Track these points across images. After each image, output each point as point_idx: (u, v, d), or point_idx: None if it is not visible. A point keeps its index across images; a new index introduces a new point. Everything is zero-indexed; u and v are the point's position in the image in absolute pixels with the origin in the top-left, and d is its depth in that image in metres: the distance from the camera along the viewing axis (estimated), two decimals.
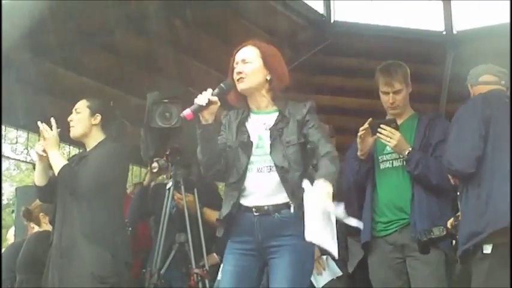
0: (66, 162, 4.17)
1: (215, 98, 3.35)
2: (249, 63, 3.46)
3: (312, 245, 3.19)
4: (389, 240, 4.16)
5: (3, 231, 8.18)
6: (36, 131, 7.30)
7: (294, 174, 3.35)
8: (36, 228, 5.41)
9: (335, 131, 5.26)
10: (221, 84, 3.42)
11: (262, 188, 3.38)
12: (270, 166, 3.38)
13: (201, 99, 3.33)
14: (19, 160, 17.67)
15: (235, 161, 3.43)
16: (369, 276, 4.32)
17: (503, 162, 3.65)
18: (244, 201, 3.40)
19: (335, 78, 7.79)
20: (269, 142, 3.40)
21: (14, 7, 4.90)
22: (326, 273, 4.82)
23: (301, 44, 7.18)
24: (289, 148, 3.38)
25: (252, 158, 3.41)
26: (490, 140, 3.70)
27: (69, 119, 4.31)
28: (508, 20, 6.60)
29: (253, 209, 3.37)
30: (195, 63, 6.87)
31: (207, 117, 3.37)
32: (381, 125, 4.11)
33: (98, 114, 4.29)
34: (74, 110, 4.32)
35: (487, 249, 3.59)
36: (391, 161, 4.23)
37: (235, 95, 3.51)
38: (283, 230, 3.34)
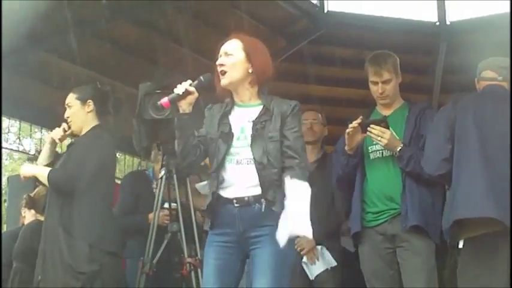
0: (48, 169, 4.18)
1: (192, 89, 3.43)
2: (231, 56, 3.49)
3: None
4: (379, 230, 4.16)
5: None
6: (28, 120, 7.33)
7: (271, 170, 3.38)
8: (28, 218, 5.40)
9: (328, 121, 5.27)
10: (200, 77, 3.48)
11: (241, 180, 3.41)
12: (250, 159, 3.40)
13: (179, 88, 3.41)
14: (11, 149, 17.61)
15: (215, 151, 3.46)
16: (359, 266, 4.33)
17: (468, 158, 3.72)
18: (224, 193, 3.43)
19: (328, 69, 7.79)
20: (250, 134, 3.42)
21: None
22: (320, 263, 4.84)
23: (295, 34, 7.17)
24: (270, 143, 3.40)
25: (233, 150, 3.44)
26: (456, 139, 3.77)
27: (65, 116, 4.32)
28: (501, 11, 6.63)
29: (234, 201, 3.39)
30: (189, 52, 6.85)
31: (184, 107, 3.44)
32: (371, 125, 4.10)
33: (89, 101, 4.29)
34: (66, 106, 4.32)
35: (461, 244, 3.73)
36: (380, 151, 4.22)
37: (220, 88, 3.53)
38: (263, 220, 3.36)
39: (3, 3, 4.82)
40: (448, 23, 7.31)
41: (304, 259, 4.84)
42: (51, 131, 4.48)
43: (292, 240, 3.38)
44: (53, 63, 6.41)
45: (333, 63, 7.66)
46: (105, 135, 4.26)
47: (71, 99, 4.32)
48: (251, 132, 3.42)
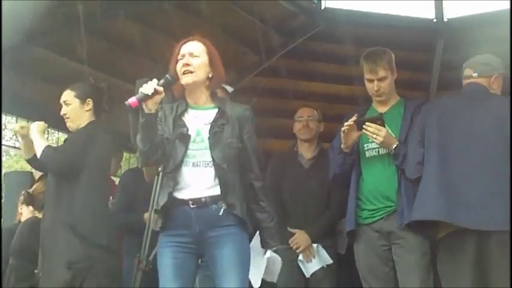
0: (46, 143, 4.18)
1: (161, 88, 3.38)
2: (197, 57, 3.53)
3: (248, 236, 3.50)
4: (375, 228, 4.17)
5: None
6: (25, 117, 7.31)
7: (231, 175, 3.44)
8: (25, 215, 5.38)
9: (325, 118, 5.26)
10: (167, 76, 3.46)
11: (198, 182, 3.44)
12: (208, 161, 3.43)
13: (147, 88, 3.36)
14: (8, 146, 17.61)
15: (172, 152, 3.47)
16: (355, 263, 4.34)
17: (428, 160, 3.86)
18: (179, 195, 3.45)
19: (326, 65, 7.77)
20: (208, 137, 3.45)
21: None
22: (316, 261, 4.84)
23: (292, 31, 7.15)
24: (229, 149, 3.45)
25: (188, 152, 3.45)
26: (425, 142, 3.92)
27: (62, 113, 4.30)
28: (499, 8, 6.63)
29: (190, 202, 3.41)
30: None
31: (151, 106, 3.39)
32: (367, 122, 4.10)
33: (89, 100, 4.30)
34: (62, 103, 4.31)
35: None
36: (376, 149, 4.23)
37: (177, 87, 3.55)
38: (220, 221, 3.41)
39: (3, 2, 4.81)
40: (445, 20, 7.29)
41: (300, 257, 4.84)
42: (48, 127, 4.48)
43: (247, 240, 3.49)
44: (50, 59, 6.40)
45: (331, 60, 7.65)
46: (100, 130, 4.26)
47: (69, 96, 4.31)
48: (208, 135, 3.46)
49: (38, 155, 4.13)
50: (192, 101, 3.58)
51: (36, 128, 4.26)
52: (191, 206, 3.42)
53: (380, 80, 4.23)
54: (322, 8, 7.21)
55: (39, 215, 5.16)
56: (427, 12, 7.47)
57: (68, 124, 4.33)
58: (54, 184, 4.17)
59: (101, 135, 4.24)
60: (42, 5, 5.30)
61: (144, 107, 3.38)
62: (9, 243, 5.20)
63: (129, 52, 6.72)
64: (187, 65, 3.50)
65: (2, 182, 7.68)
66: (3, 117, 7.93)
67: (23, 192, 5.49)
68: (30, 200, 5.38)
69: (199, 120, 3.52)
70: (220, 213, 3.40)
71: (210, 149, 3.43)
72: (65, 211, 4.05)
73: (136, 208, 4.98)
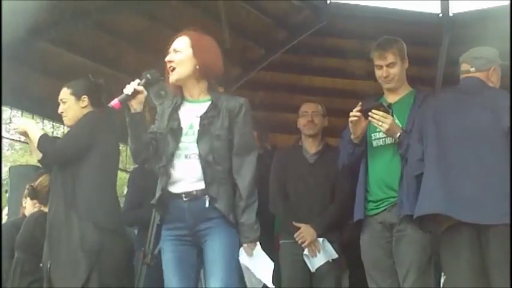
0: (42, 132, 4.21)
1: (141, 88, 3.47)
2: (179, 53, 3.54)
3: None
4: (378, 219, 4.17)
5: None
6: (31, 111, 7.32)
7: (216, 167, 3.44)
8: (28, 208, 5.39)
9: (330, 112, 5.25)
10: (147, 75, 3.52)
11: (190, 174, 3.45)
12: (197, 154, 3.45)
13: (127, 88, 3.44)
14: (13, 140, 17.63)
15: (164, 146, 3.50)
16: (360, 256, 4.34)
17: (427, 156, 3.86)
18: (173, 188, 3.48)
19: (331, 60, 7.78)
20: (198, 130, 3.47)
21: None
22: (321, 256, 4.83)
23: (297, 25, 7.15)
24: (217, 141, 3.45)
25: (181, 145, 3.48)
26: (424, 139, 3.91)
27: (59, 111, 4.32)
28: (504, 3, 6.61)
29: (183, 195, 3.44)
30: None
31: (135, 106, 3.48)
32: (372, 110, 4.09)
33: (84, 96, 4.29)
34: (60, 101, 4.31)
35: None
36: (383, 139, 4.22)
37: (171, 84, 3.57)
38: (210, 213, 3.43)
39: None
40: (451, 14, 7.28)
41: (306, 251, 4.84)
42: (53, 121, 4.50)
43: (236, 234, 3.47)
44: (55, 53, 6.41)
45: (335, 55, 7.66)
46: (101, 116, 4.24)
47: (65, 94, 4.31)
48: (198, 128, 3.47)
49: (36, 145, 4.17)
50: (187, 94, 3.60)
51: (29, 124, 4.31)
52: (184, 199, 3.45)
53: (389, 65, 4.22)
54: (327, 2, 7.21)
55: (45, 209, 5.16)
56: (432, 7, 7.46)
57: (65, 122, 4.33)
58: (61, 174, 4.18)
59: (101, 118, 4.23)
60: None
61: (130, 106, 3.46)
62: (14, 236, 5.21)
63: (135, 46, 6.72)
64: (170, 61, 3.53)
65: (7, 176, 7.69)
66: (9, 111, 7.95)
67: (27, 186, 5.49)
68: (33, 194, 5.38)
69: (193, 113, 3.54)
70: (206, 205, 3.42)
71: (197, 142, 3.45)
72: (72, 198, 4.07)
73: (146, 203, 4.99)
